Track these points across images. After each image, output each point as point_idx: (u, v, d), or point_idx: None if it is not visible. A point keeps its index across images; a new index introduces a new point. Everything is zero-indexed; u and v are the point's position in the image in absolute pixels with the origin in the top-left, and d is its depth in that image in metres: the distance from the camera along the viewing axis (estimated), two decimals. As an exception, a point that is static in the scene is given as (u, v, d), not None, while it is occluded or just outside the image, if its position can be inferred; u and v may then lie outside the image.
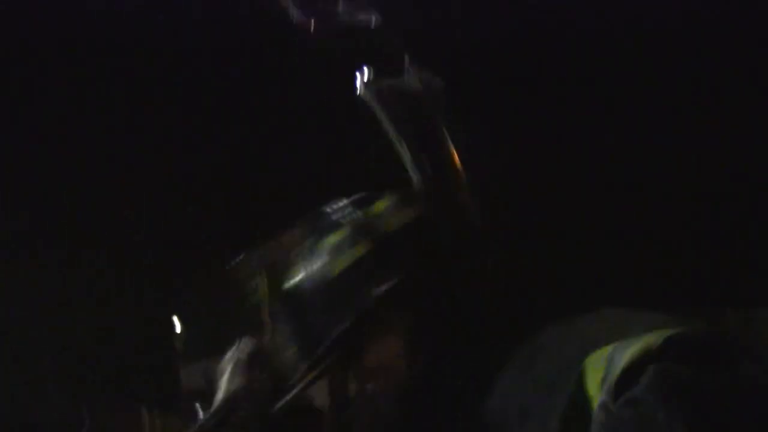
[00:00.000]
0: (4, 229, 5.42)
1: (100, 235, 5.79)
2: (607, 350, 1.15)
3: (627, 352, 1.10)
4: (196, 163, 5.44)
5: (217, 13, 4.91)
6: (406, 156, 2.17)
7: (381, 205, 1.72)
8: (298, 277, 1.65)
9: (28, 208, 5.45)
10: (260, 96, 5.14)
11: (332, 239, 1.65)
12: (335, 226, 1.68)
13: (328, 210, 1.71)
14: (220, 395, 1.72)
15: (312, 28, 1.92)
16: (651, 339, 1.11)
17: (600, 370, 1.13)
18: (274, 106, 5.06)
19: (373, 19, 1.90)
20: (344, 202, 1.75)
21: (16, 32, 4.96)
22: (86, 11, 4.93)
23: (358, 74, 1.92)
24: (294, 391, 1.53)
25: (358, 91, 1.93)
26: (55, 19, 4.95)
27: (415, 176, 2.22)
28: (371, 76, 1.92)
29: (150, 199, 5.55)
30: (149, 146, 5.40)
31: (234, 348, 1.73)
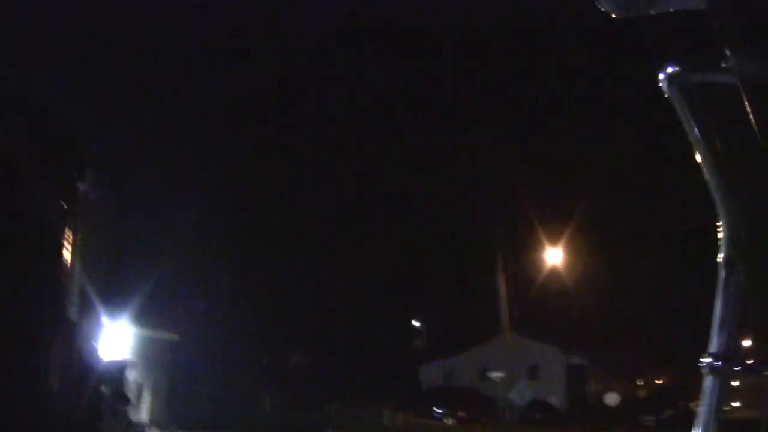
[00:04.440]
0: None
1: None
2: None
3: None
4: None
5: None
6: (709, 164, 1.90)
7: None
8: None
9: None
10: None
11: None
12: None
13: None
14: None
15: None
16: None
17: None
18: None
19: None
20: None
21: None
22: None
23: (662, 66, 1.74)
24: None
25: (661, 86, 1.75)
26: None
27: (717, 194, 1.92)
28: (678, 69, 1.73)
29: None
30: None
31: None
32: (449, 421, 43.76)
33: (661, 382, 65.81)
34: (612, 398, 43.38)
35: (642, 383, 66.91)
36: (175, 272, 35.39)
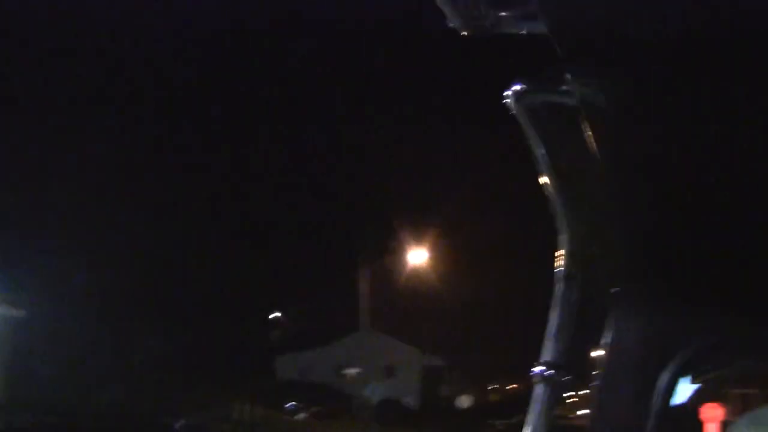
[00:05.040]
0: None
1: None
2: None
3: None
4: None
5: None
6: (552, 181, 1.97)
7: None
8: None
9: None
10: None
11: None
12: None
13: None
14: None
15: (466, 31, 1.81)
16: None
17: None
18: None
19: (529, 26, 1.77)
20: None
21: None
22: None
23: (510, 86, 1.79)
24: None
25: (509, 104, 1.80)
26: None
27: (560, 209, 2.00)
28: (524, 88, 1.79)
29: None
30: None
31: None
32: (302, 416, 43.66)
33: (515, 387, 67.43)
34: (464, 401, 44.18)
35: (497, 387, 68.45)
36: (24, 247, 34.19)
